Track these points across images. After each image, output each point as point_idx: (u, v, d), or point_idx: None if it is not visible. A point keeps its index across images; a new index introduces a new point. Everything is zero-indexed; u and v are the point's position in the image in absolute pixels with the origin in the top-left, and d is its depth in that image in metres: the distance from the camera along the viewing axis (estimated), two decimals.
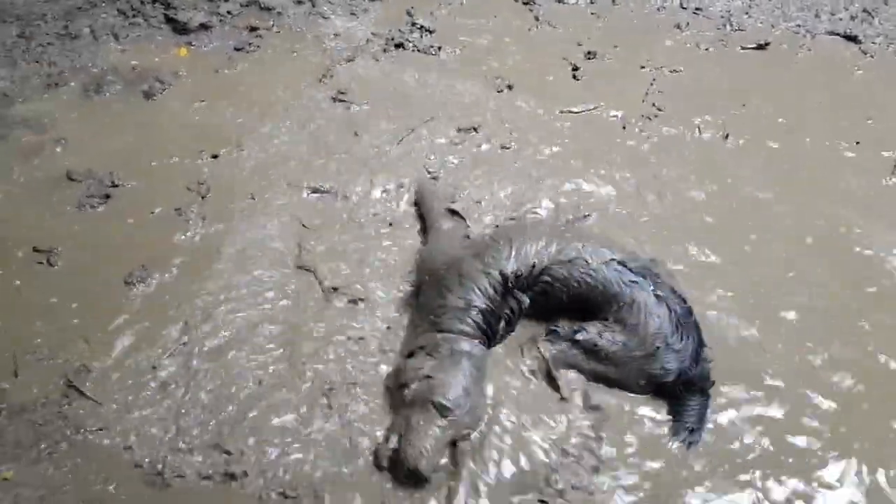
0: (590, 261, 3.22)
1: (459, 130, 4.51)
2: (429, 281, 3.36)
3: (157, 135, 4.44)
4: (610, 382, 3.14)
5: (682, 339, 3.09)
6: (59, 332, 3.29)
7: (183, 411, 3.04)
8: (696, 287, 3.49)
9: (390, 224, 3.88)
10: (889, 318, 3.45)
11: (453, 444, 2.88)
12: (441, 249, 3.53)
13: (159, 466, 2.84)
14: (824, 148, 4.52)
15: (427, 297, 3.32)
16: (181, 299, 3.46)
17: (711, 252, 3.75)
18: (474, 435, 2.91)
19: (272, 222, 3.87)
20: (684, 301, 3.23)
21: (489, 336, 3.18)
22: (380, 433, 2.97)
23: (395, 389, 3.07)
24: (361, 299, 3.49)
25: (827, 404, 3.11)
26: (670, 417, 3.05)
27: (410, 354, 3.14)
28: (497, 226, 3.76)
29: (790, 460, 2.93)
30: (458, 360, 3.01)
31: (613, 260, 3.22)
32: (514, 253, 3.23)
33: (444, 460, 2.84)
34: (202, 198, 3.98)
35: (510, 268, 3.20)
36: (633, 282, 3.18)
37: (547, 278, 3.21)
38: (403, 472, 2.78)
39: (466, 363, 3.01)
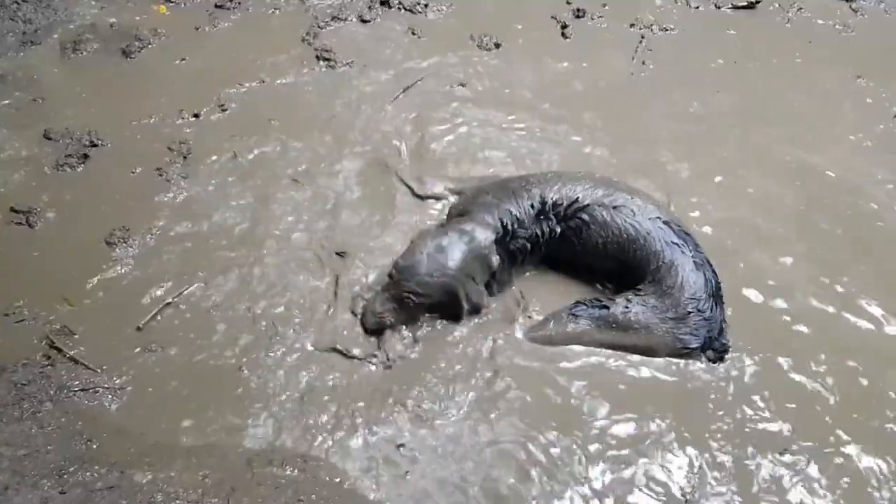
0: (636, 211, 3.20)
1: (450, 86, 4.45)
2: (473, 189, 3.50)
3: (136, 94, 4.34)
4: (635, 350, 3.11)
5: (712, 308, 3.10)
6: (40, 294, 3.24)
7: (167, 371, 3.01)
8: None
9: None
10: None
11: (398, 302, 3.06)
12: (481, 184, 3.59)
13: (142, 428, 2.82)
14: (814, 105, 4.50)
15: (468, 198, 3.42)
16: (163, 259, 3.42)
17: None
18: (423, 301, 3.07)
19: (254, 181, 3.82)
20: (714, 272, 3.21)
21: (509, 235, 3.17)
22: None
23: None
24: (344, 252, 3.49)
25: None
26: None
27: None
28: None
29: None
30: (445, 232, 3.13)
31: (659, 218, 3.20)
32: (559, 184, 3.26)
33: (396, 317, 3.11)
34: (183, 157, 3.91)
35: (551, 194, 3.23)
36: (675, 243, 3.16)
37: (586, 216, 3.20)
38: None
39: (454, 236, 3.07)
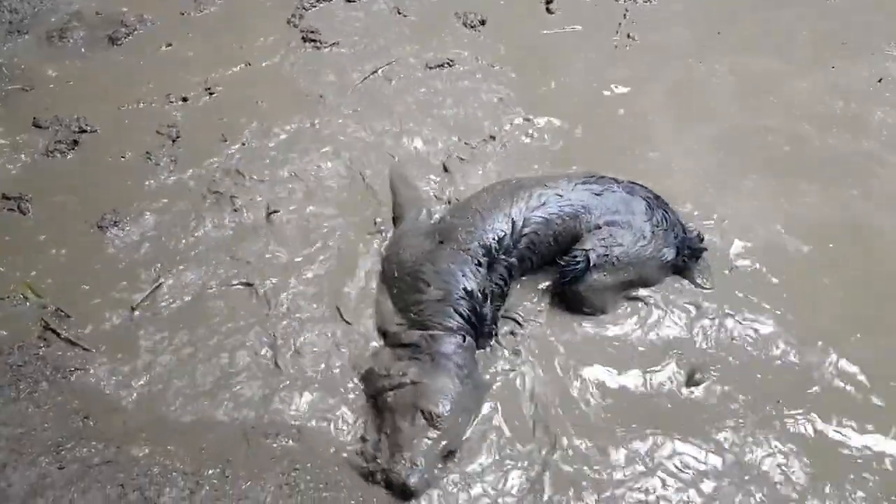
0: (561, 192, 3.26)
1: (430, 68, 4.47)
2: (401, 277, 3.21)
3: (124, 80, 4.36)
4: (633, 284, 3.26)
5: (664, 218, 3.28)
6: (34, 278, 3.27)
7: (161, 350, 3.05)
8: None
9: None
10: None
11: (444, 456, 2.67)
12: (408, 244, 3.31)
13: (138, 405, 2.87)
14: (802, 70, 4.53)
15: (403, 292, 3.17)
16: (155, 242, 3.45)
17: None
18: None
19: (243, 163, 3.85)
20: (647, 189, 3.40)
21: (476, 324, 3.00)
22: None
23: (376, 389, 2.87)
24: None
25: None
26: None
27: (392, 346, 3.02)
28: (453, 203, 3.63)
29: None
30: (443, 365, 2.85)
31: (578, 183, 3.30)
32: (482, 220, 3.17)
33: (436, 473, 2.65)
34: (172, 141, 3.94)
35: (489, 237, 3.12)
36: (602, 190, 3.28)
37: (528, 230, 3.18)
38: (395, 486, 2.56)
39: (453, 367, 2.84)
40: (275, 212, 3.58)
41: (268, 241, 3.49)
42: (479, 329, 3.02)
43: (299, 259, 3.42)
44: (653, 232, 3.23)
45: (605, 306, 3.22)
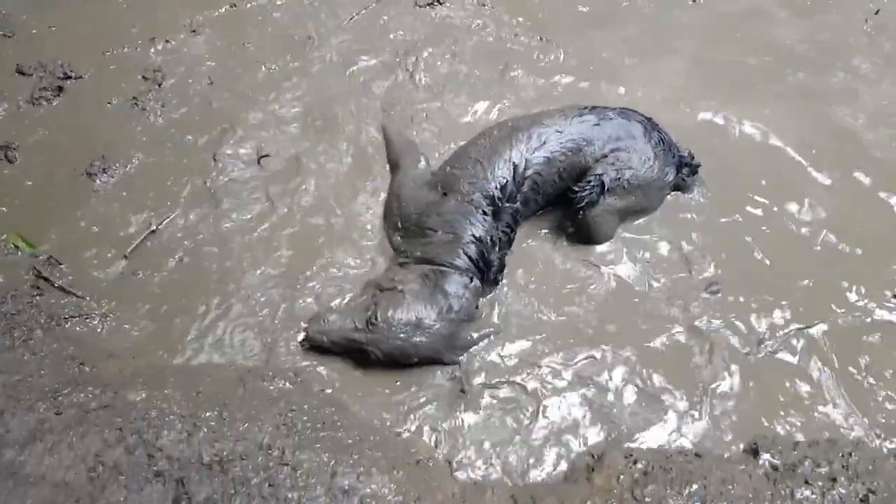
0: (560, 129, 3.22)
1: (419, 6, 4.37)
2: (407, 227, 3.20)
3: (107, 24, 4.26)
4: (638, 210, 3.34)
5: (661, 139, 3.32)
6: (24, 227, 3.24)
7: (155, 296, 3.05)
8: None
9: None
10: None
11: (361, 350, 2.82)
12: (410, 195, 3.30)
13: (134, 351, 2.88)
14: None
15: (409, 238, 3.17)
16: (145, 187, 3.41)
17: None
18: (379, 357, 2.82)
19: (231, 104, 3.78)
20: (639, 112, 3.41)
21: (484, 268, 3.02)
22: None
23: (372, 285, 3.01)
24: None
25: None
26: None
27: (401, 265, 3.07)
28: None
29: None
30: (437, 300, 2.87)
31: (574, 116, 3.27)
32: (485, 168, 3.14)
33: (342, 346, 2.84)
34: (158, 85, 3.86)
35: (492, 185, 3.10)
36: (600, 120, 3.27)
37: (531, 171, 3.16)
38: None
39: (444, 306, 2.86)
40: (265, 156, 3.52)
41: (260, 184, 3.45)
42: (486, 274, 3.03)
43: (292, 199, 3.39)
44: (655, 153, 3.27)
45: (610, 234, 3.29)
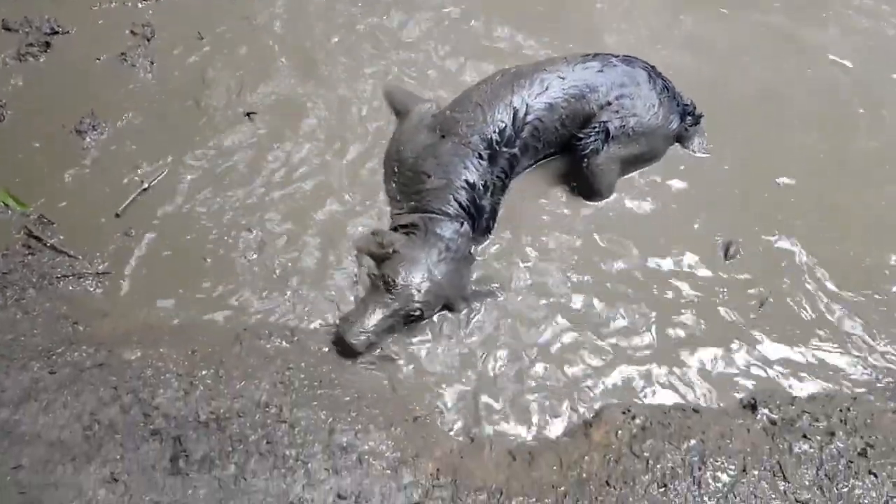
0: (563, 75, 3.17)
1: None
2: (402, 172, 3.20)
3: None
4: (642, 159, 3.32)
5: (664, 86, 3.29)
6: (13, 186, 3.16)
7: (148, 255, 3.01)
8: None
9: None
10: None
11: (405, 320, 2.79)
12: (409, 138, 3.28)
13: (127, 310, 2.85)
14: None
15: (404, 185, 3.17)
16: (135, 145, 3.35)
17: None
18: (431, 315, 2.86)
19: (221, 58, 3.71)
20: (642, 60, 3.36)
21: (475, 214, 3.01)
22: None
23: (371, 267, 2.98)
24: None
25: None
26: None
27: (393, 228, 3.07)
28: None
29: None
30: (431, 243, 2.89)
31: (578, 63, 3.23)
32: (484, 112, 3.09)
33: (385, 333, 2.77)
34: (147, 40, 3.76)
35: (490, 129, 3.06)
36: (603, 66, 3.22)
37: (531, 117, 3.11)
38: (340, 343, 2.73)
39: (440, 245, 2.88)
40: (253, 113, 3.46)
41: (250, 137, 3.41)
42: (478, 220, 3.03)
43: (283, 153, 3.36)
44: (660, 100, 3.24)
45: (612, 185, 3.27)
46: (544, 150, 3.27)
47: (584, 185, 3.26)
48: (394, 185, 3.23)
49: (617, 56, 3.31)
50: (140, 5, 3.96)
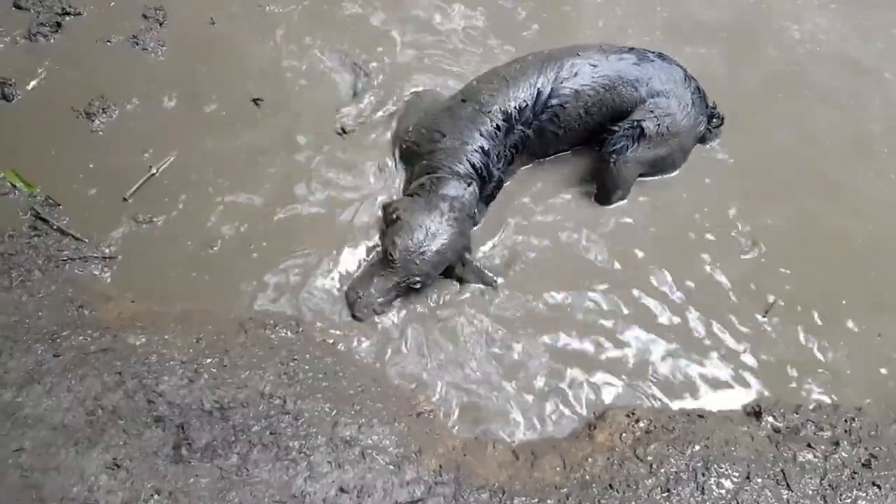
0: (595, 63, 3.12)
1: None
2: (417, 130, 3.20)
3: None
4: (666, 162, 3.26)
5: (697, 87, 3.25)
6: (21, 166, 3.15)
7: (156, 239, 3.00)
8: None
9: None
10: None
11: (408, 289, 2.86)
12: (430, 105, 3.33)
13: (134, 295, 2.84)
14: None
15: (417, 144, 3.16)
16: (145, 128, 3.33)
17: None
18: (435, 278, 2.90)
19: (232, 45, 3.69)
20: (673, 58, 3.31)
21: (485, 177, 3.01)
22: None
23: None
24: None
25: None
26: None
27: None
28: None
29: None
30: (434, 204, 2.88)
31: (611, 53, 3.17)
32: (507, 87, 3.07)
33: (390, 302, 2.86)
34: (159, 24, 3.75)
35: (510, 103, 3.04)
36: (640, 60, 3.16)
37: (555, 101, 3.08)
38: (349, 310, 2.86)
39: (444, 207, 2.87)
40: (259, 99, 3.45)
41: (256, 123, 3.40)
42: (486, 185, 3.02)
43: (288, 136, 3.37)
44: (692, 101, 3.18)
45: (628, 187, 3.23)
46: (564, 139, 3.22)
47: (601, 183, 3.23)
48: (405, 146, 3.23)
49: (653, 52, 3.25)
50: None
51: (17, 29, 3.70)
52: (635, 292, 2.98)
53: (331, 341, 2.76)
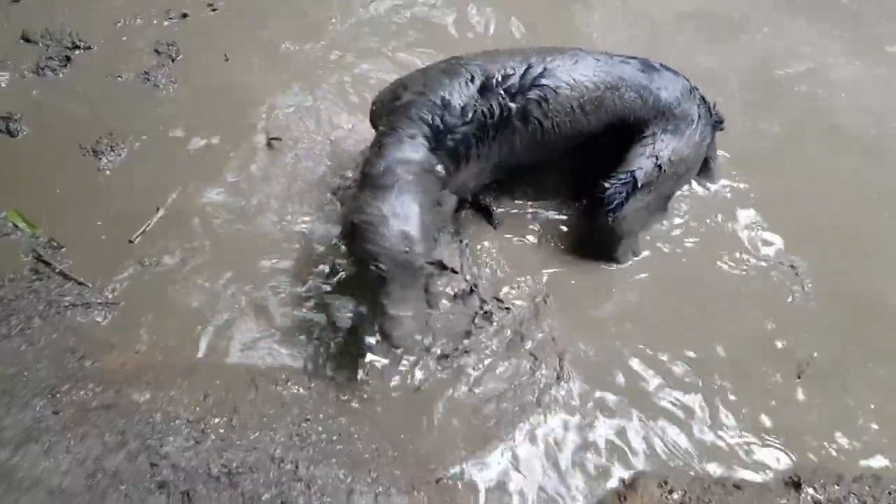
0: (600, 58, 2.80)
1: None
2: (386, 90, 2.85)
3: None
4: (682, 181, 3.02)
5: (701, 97, 2.95)
6: (24, 206, 3.04)
7: (162, 285, 2.87)
8: None
9: None
10: None
11: (428, 286, 2.70)
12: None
13: (138, 344, 2.70)
14: None
15: (382, 98, 2.80)
16: (153, 168, 3.22)
17: None
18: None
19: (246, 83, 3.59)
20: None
21: (440, 128, 2.59)
22: None
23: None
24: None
25: None
26: None
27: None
28: None
29: None
30: (382, 185, 2.44)
31: (616, 57, 2.85)
32: (501, 56, 2.73)
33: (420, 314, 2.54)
34: (172, 60, 3.66)
35: (498, 66, 2.67)
36: (646, 68, 2.84)
37: (547, 82, 2.69)
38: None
39: (390, 179, 2.45)
40: (276, 139, 3.35)
41: (268, 165, 3.29)
42: (442, 140, 2.60)
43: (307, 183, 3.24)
44: (699, 114, 2.87)
45: (636, 242, 3.04)
46: (547, 138, 2.78)
47: (600, 241, 3.02)
48: (375, 107, 2.84)
49: (657, 62, 2.93)
50: (166, 24, 3.87)
51: (25, 62, 3.63)
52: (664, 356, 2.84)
53: (345, 398, 2.62)
